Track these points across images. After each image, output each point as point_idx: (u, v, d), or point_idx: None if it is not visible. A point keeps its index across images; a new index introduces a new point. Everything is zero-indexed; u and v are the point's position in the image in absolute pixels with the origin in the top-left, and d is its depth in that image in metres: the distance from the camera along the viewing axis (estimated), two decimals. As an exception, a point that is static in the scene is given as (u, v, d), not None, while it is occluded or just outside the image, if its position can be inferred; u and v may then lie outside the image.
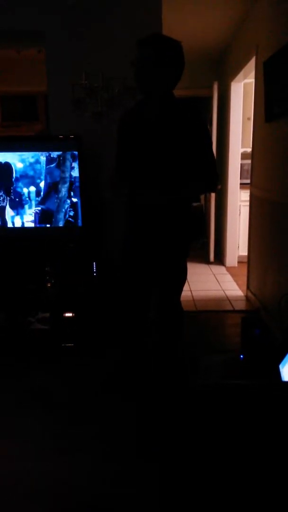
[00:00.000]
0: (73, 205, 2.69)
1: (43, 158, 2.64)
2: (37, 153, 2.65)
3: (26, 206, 2.71)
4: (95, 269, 2.84)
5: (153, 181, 1.90)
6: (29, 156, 2.64)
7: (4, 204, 2.71)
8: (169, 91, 1.90)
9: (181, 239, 2.03)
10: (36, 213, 2.72)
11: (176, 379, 2.18)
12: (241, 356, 2.24)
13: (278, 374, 1.78)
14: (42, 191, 2.68)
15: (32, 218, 2.72)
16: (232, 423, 1.76)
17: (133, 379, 2.26)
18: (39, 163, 2.65)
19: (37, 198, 2.70)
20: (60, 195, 2.69)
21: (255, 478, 1.54)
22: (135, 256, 2.09)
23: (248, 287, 3.69)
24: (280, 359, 1.82)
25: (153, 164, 1.91)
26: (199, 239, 5.49)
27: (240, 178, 4.60)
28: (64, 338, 2.66)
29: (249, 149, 4.05)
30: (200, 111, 2.09)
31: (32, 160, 2.65)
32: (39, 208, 2.71)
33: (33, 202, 2.70)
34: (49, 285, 2.75)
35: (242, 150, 4.55)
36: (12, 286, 2.75)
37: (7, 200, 2.71)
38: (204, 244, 5.22)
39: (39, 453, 1.80)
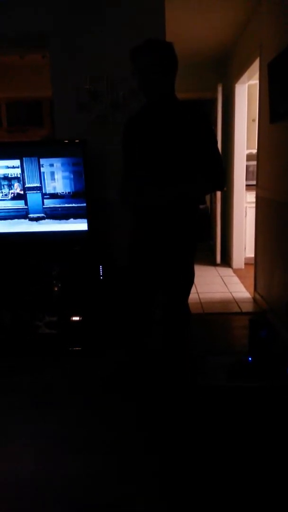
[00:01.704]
0: (79, 208, 2.70)
1: (47, 163, 2.66)
2: (41, 158, 2.66)
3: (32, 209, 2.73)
4: (102, 273, 2.84)
5: (160, 182, 1.90)
6: (33, 161, 2.66)
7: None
8: (172, 92, 1.92)
9: (188, 240, 2.03)
10: (42, 216, 2.73)
11: (183, 380, 2.17)
12: (249, 358, 2.23)
13: (286, 376, 1.76)
14: (48, 194, 2.69)
15: (38, 221, 2.74)
16: (239, 425, 1.74)
17: (134, 379, 2.26)
18: (44, 167, 2.66)
19: (43, 202, 2.71)
20: (65, 199, 2.69)
21: (261, 479, 1.52)
22: (142, 258, 2.09)
23: (255, 289, 3.67)
24: (288, 361, 1.80)
25: (160, 165, 1.91)
26: (205, 240, 5.47)
27: (246, 180, 4.59)
28: (71, 341, 2.66)
29: (254, 151, 4.04)
30: (204, 111, 2.09)
31: (36, 164, 2.66)
32: (45, 211, 2.72)
33: (39, 206, 2.72)
34: (56, 288, 2.75)
35: (247, 151, 4.54)
36: (19, 290, 2.76)
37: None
38: (210, 246, 5.20)
39: (42, 453, 1.80)
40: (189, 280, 2.09)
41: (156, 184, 1.91)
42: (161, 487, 1.57)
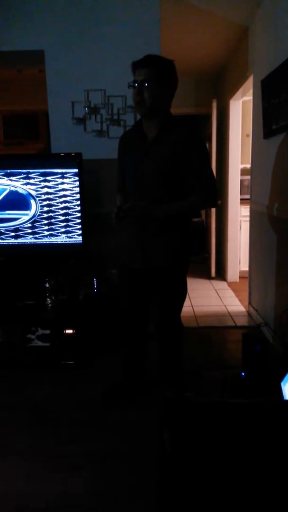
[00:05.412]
0: (73, 221, 2.71)
1: (42, 175, 2.67)
2: (38, 170, 2.68)
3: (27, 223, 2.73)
4: (96, 285, 2.83)
5: (152, 198, 1.90)
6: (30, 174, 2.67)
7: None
8: (166, 108, 1.93)
9: (180, 255, 2.03)
10: (37, 230, 2.73)
11: (177, 394, 2.15)
12: (243, 373, 2.22)
13: (280, 392, 1.75)
14: (43, 207, 2.70)
15: (32, 234, 2.74)
16: (232, 442, 1.73)
17: (130, 396, 2.24)
18: (40, 180, 2.68)
19: (38, 215, 2.72)
20: (60, 212, 2.70)
21: (255, 497, 1.50)
22: (133, 273, 2.08)
23: (249, 303, 3.67)
24: (282, 376, 1.80)
25: (151, 182, 1.92)
26: (199, 254, 5.49)
27: (240, 194, 4.62)
28: (64, 355, 2.64)
29: (248, 165, 4.08)
30: (198, 127, 2.09)
31: (32, 177, 2.67)
32: (40, 224, 2.73)
33: (34, 219, 2.72)
34: (49, 301, 2.74)
35: (241, 166, 4.59)
36: (12, 302, 2.74)
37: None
38: (205, 259, 5.22)
39: (37, 472, 1.76)
40: (182, 294, 2.09)
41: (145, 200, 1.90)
42: (160, 506, 1.54)
